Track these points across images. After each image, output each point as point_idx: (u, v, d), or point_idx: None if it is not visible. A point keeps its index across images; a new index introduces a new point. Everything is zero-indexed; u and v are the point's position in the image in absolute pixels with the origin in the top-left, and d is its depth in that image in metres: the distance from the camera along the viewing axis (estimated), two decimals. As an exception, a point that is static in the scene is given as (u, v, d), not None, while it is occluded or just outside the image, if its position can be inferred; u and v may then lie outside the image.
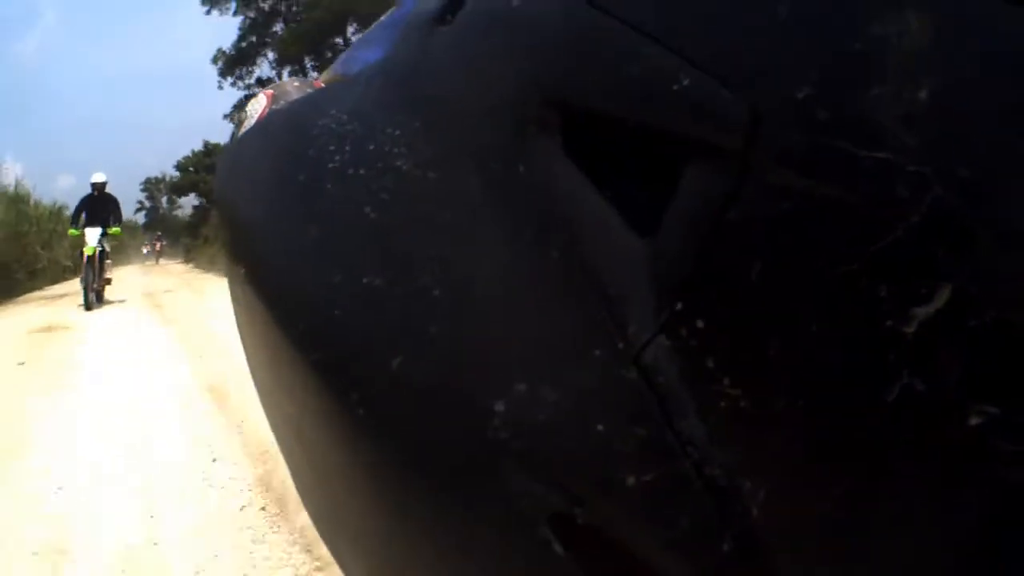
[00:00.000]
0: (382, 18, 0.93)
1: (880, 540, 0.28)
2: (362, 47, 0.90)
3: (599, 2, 0.39)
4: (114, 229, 9.95)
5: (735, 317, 0.31)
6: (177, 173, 37.53)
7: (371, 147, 0.50)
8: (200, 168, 35.15)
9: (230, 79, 30.50)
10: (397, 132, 0.49)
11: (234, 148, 0.78)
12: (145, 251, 32.13)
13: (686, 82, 0.33)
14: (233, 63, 30.59)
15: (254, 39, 30.31)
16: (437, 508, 0.39)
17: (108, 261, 10.11)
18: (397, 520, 0.43)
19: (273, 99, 0.82)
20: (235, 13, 29.44)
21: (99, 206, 9.88)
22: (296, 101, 0.73)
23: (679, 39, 0.35)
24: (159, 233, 37.81)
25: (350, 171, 0.50)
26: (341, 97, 0.61)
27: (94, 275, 9.25)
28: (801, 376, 0.29)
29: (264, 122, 0.74)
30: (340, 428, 0.46)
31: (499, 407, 0.35)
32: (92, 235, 9.50)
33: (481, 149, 0.42)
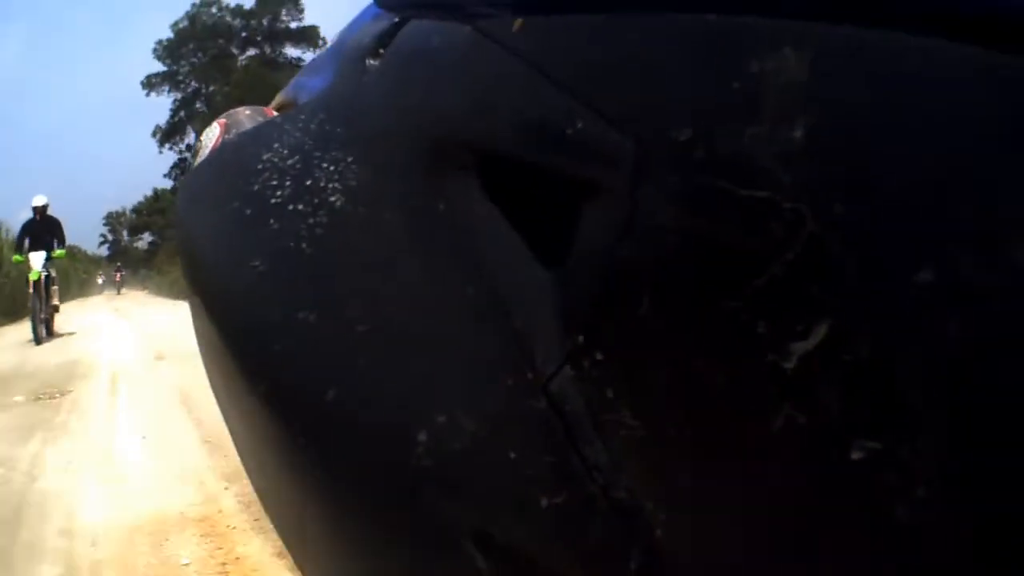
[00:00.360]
0: (330, 43, 0.95)
1: (772, 563, 0.30)
2: (310, 72, 0.92)
3: (508, 43, 0.41)
4: (58, 252, 9.47)
5: (629, 350, 0.32)
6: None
7: (308, 183, 0.52)
8: (151, 211, 44.98)
9: (167, 146, 41.53)
10: (332, 168, 0.51)
11: (190, 178, 0.80)
12: (100, 280, 33.49)
13: (579, 124, 0.35)
14: (167, 135, 41.60)
15: (183, 114, 41.07)
16: (372, 529, 0.42)
17: (55, 287, 9.52)
18: (339, 539, 0.46)
19: (226, 128, 0.84)
20: (169, 92, 41.79)
21: (42, 229, 9.43)
22: (245, 134, 0.74)
23: (574, 82, 0.37)
24: (119, 264, 41.10)
25: (290, 207, 0.52)
26: (285, 131, 0.63)
27: (41, 304, 8.69)
28: (690, 407, 0.31)
29: (216, 154, 0.76)
30: (287, 455, 0.48)
31: (422, 436, 0.37)
32: (37, 260, 8.97)
33: (404, 186, 0.44)
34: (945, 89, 0.26)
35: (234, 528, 2.16)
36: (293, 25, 40.80)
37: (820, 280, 0.27)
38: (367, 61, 0.59)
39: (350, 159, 0.50)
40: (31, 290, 8.61)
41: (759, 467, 0.29)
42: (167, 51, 41.67)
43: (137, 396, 4.56)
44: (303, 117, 0.64)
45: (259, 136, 0.70)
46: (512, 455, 0.35)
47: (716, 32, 0.32)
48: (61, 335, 9.37)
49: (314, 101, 0.66)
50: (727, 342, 0.29)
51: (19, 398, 4.67)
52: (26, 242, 9.35)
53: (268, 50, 41.21)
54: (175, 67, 41.71)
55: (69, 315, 11.83)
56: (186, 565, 1.92)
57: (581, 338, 0.34)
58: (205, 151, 0.82)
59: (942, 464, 0.24)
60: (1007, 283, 0.23)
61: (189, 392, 4.13)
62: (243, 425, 0.59)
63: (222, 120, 0.88)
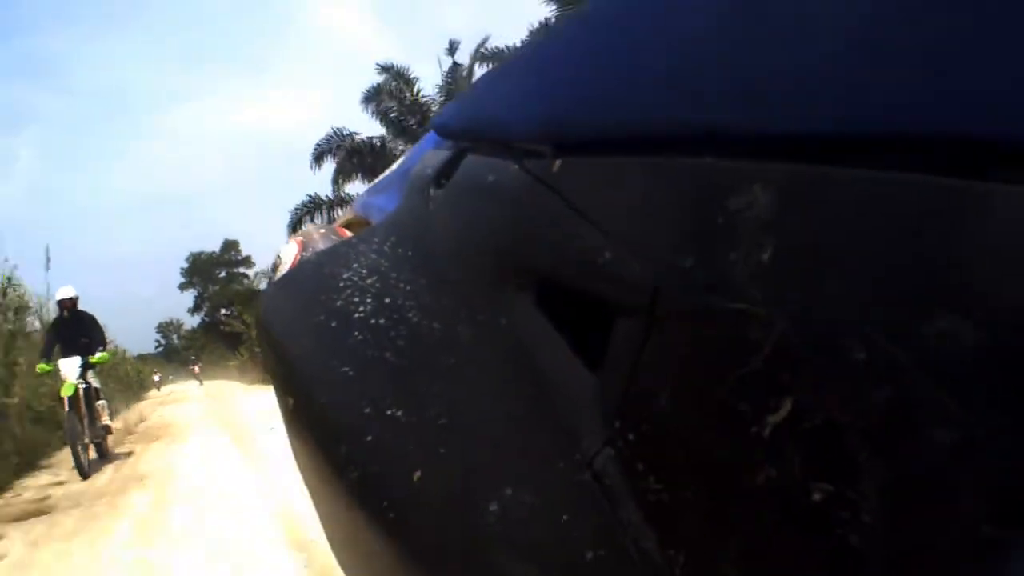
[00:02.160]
0: (393, 166, 1.08)
1: None
2: (376, 193, 1.05)
3: (550, 182, 0.51)
4: (100, 356, 7.48)
5: (653, 431, 0.42)
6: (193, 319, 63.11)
7: (387, 300, 0.63)
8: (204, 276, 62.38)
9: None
10: (408, 288, 0.62)
11: (273, 292, 0.92)
12: (156, 378, 34.30)
13: (607, 255, 0.45)
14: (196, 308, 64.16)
15: (205, 304, 63.64)
16: None
17: (101, 402, 7.55)
18: None
19: (303, 246, 0.96)
20: (193, 288, 67.46)
21: (73, 329, 7.57)
22: (323, 253, 0.86)
23: (602, 217, 0.46)
24: (194, 357, 48.45)
25: (372, 321, 0.63)
26: (362, 252, 0.74)
27: (82, 424, 6.80)
28: (699, 471, 0.40)
29: (297, 270, 0.88)
30: (377, 531, 0.57)
31: (493, 507, 0.47)
32: (70, 367, 7.04)
33: (471, 304, 0.55)
34: (872, 210, 0.32)
35: None
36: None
37: (787, 367, 0.34)
38: (431, 190, 0.70)
39: (423, 281, 0.61)
40: (66, 408, 6.77)
41: (751, 513, 0.37)
42: (187, 273, 64.15)
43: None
44: (376, 240, 0.75)
45: (337, 256, 0.81)
46: (564, 518, 0.44)
47: (707, 173, 0.40)
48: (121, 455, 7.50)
49: (385, 224, 0.77)
50: (722, 420, 0.38)
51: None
52: (56, 348, 7.51)
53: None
54: (194, 279, 63.44)
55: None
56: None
57: (618, 424, 0.43)
58: (285, 266, 0.94)
59: (880, 499, 0.31)
60: (918, 357, 0.30)
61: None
62: (336, 511, 0.69)
63: (298, 239, 1.00)
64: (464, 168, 0.67)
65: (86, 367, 7.30)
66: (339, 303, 0.68)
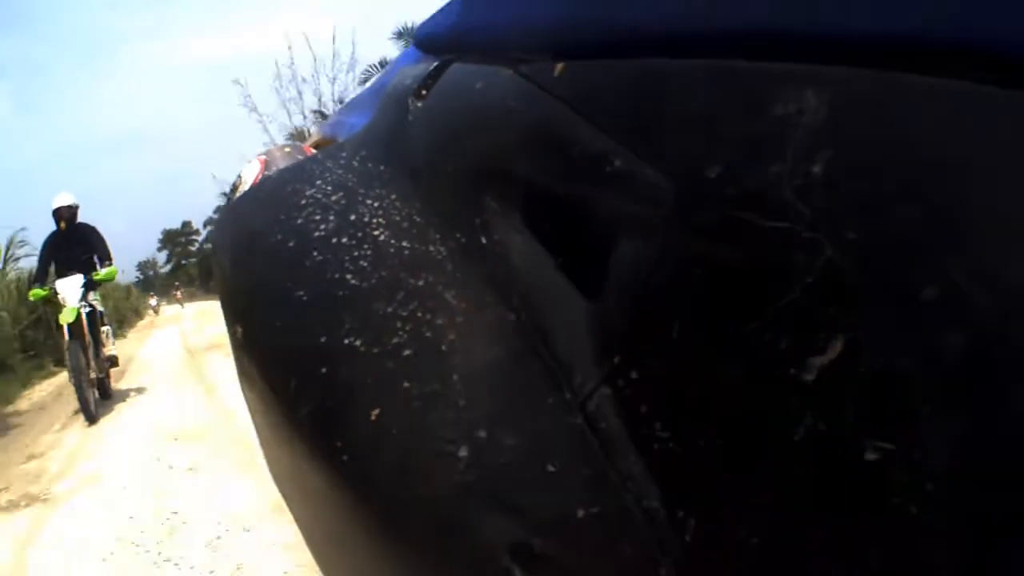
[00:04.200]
0: (368, 83, 0.99)
1: (797, 565, 0.32)
2: (349, 111, 0.96)
3: (550, 88, 0.44)
4: (107, 271, 6.09)
5: (662, 369, 0.35)
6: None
7: (352, 218, 0.55)
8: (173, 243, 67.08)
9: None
10: (375, 204, 0.54)
11: (230, 212, 0.84)
12: (153, 302, 35.80)
13: (617, 163, 0.38)
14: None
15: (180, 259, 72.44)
16: (412, 544, 0.44)
17: (105, 328, 6.26)
18: (379, 556, 0.48)
19: (265, 164, 0.87)
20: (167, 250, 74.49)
21: (73, 243, 6.12)
22: (287, 169, 0.78)
23: (613, 123, 0.40)
24: (177, 283, 49.93)
25: (333, 240, 0.55)
26: (327, 168, 0.66)
27: (86, 356, 5.40)
28: (718, 420, 0.33)
29: (257, 188, 0.80)
30: (329, 475, 0.50)
31: (463, 452, 0.40)
32: (70, 289, 5.66)
33: (448, 221, 0.47)
34: (948, 124, 0.29)
35: None
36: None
37: (836, 300, 0.30)
38: (409, 102, 0.62)
39: (393, 196, 0.53)
40: (66, 338, 5.40)
41: (783, 473, 0.31)
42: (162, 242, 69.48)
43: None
44: (344, 154, 0.67)
45: (301, 172, 0.73)
46: (551, 468, 0.37)
47: (745, 77, 0.35)
48: (126, 395, 6.25)
49: (355, 138, 0.69)
50: (752, 359, 0.32)
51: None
52: (51, 267, 6.15)
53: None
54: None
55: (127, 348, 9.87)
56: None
57: (617, 359, 0.36)
58: (245, 186, 0.86)
59: (949, 462, 0.27)
60: (1002, 302, 0.26)
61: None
62: (283, 451, 0.62)
63: (261, 157, 0.92)
64: (448, 77, 0.60)
65: (88, 287, 5.83)
66: (298, 221, 0.60)
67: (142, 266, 75.34)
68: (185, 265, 63.17)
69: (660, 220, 0.36)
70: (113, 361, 6.40)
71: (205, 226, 60.31)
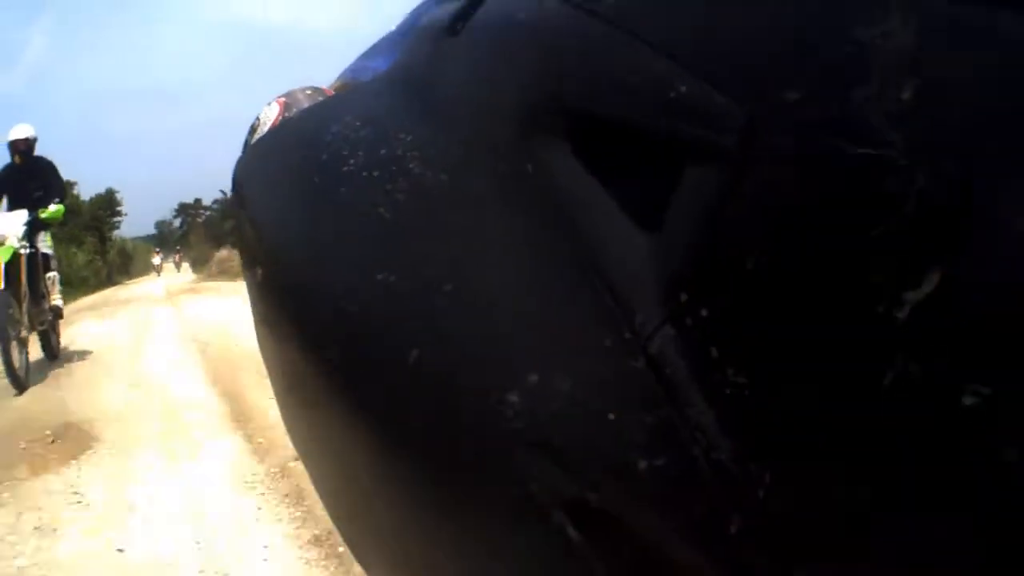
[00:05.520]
0: (389, 31, 0.95)
1: (886, 522, 0.29)
2: (370, 57, 0.92)
3: (601, 12, 0.41)
4: (53, 210, 5.36)
5: (736, 307, 0.32)
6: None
7: (383, 152, 0.51)
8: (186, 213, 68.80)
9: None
10: (409, 138, 0.50)
11: (249, 152, 0.80)
12: (157, 260, 36.26)
13: (683, 89, 0.34)
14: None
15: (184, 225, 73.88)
16: (454, 498, 0.41)
17: (51, 274, 5.64)
18: (416, 512, 0.45)
19: (285, 107, 0.84)
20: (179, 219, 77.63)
21: (25, 178, 5.59)
22: (309, 108, 0.75)
23: (675, 47, 0.36)
24: (179, 248, 51.99)
25: (364, 174, 0.51)
26: (353, 103, 0.63)
27: (20, 307, 4.65)
28: (799, 363, 0.30)
29: (277, 128, 0.76)
30: (358, 424, 0.47)
31: (512, 397, 0.37)
32: (10, 225, 4.95)
33: (490, 152, 0.44)
34: None
35: None
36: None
37: (931, 232, 0.28)
38: (444, 37, 0.59)
39: (428, 129, 0.50)
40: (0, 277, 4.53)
41: (871, 419, 0.29)
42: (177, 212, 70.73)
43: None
44: (372, 91, 0.63)
45: (325, 109, 0.70)
46: (611, 416, 0.34)
47: None
48: (75, 358, 5.64)
49: (383, 76, 0.65)
50: (838, 295, 0.30)
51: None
52: (3, 202, 5.53)
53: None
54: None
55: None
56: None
57: (684, 296, 0.33)
58: (264, 127, 0.82)
59: None
60: None
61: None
62: (306, 407, 0.59)
63: (281, 99, 0.88)
64: (487, 9, 0.56)
65: (34, 226, 5.18)
66: (324, 157, 0.57)
67: (159, 225, 78.46)
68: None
69: (733, 147, 0.32)
70: (59, 312, 5.74)
71: (213, 203, 63.36)
